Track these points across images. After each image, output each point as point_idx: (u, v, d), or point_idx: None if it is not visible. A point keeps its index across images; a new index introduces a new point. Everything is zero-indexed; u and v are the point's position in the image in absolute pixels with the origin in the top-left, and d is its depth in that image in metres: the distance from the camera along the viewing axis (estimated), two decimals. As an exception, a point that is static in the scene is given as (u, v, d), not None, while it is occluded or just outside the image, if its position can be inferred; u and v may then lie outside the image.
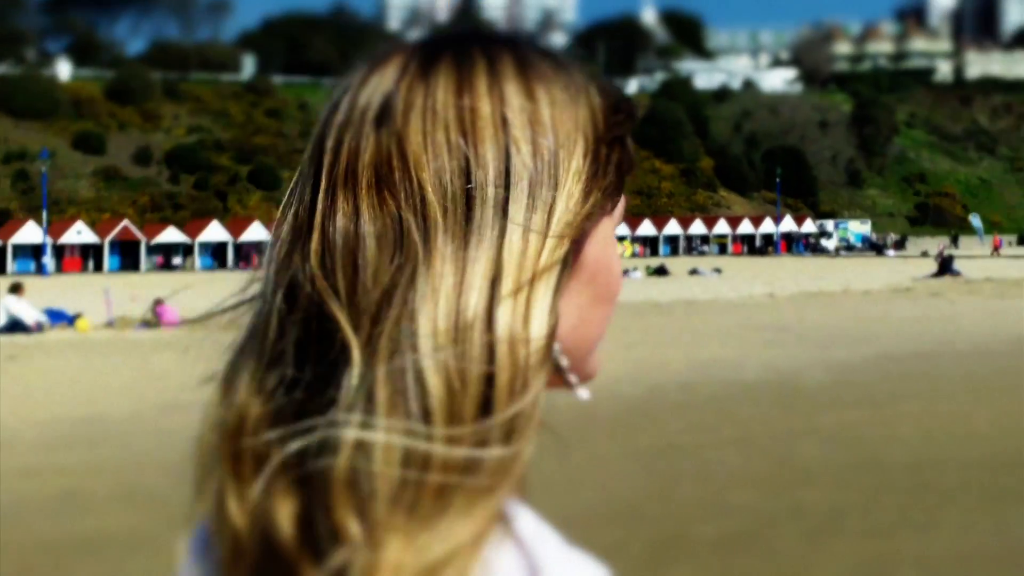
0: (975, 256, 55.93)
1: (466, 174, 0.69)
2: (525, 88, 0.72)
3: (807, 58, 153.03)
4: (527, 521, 0.68)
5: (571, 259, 0.72)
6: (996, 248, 61.46)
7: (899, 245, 76.13)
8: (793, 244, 79.86)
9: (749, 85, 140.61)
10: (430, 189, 0.69)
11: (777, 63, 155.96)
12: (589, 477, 7.20)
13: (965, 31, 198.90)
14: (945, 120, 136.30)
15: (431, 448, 0.64)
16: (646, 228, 78.02)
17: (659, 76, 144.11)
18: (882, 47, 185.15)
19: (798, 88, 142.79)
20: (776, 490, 7.26)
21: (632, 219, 74.38)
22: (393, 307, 0.68)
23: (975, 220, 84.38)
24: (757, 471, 7.77)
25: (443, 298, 0.67)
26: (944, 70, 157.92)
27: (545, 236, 0.70)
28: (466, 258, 0.68)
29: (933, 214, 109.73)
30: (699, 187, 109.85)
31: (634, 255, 69.34)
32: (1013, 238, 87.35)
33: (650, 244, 77.74)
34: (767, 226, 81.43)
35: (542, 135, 0.71)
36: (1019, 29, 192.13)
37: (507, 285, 0.68)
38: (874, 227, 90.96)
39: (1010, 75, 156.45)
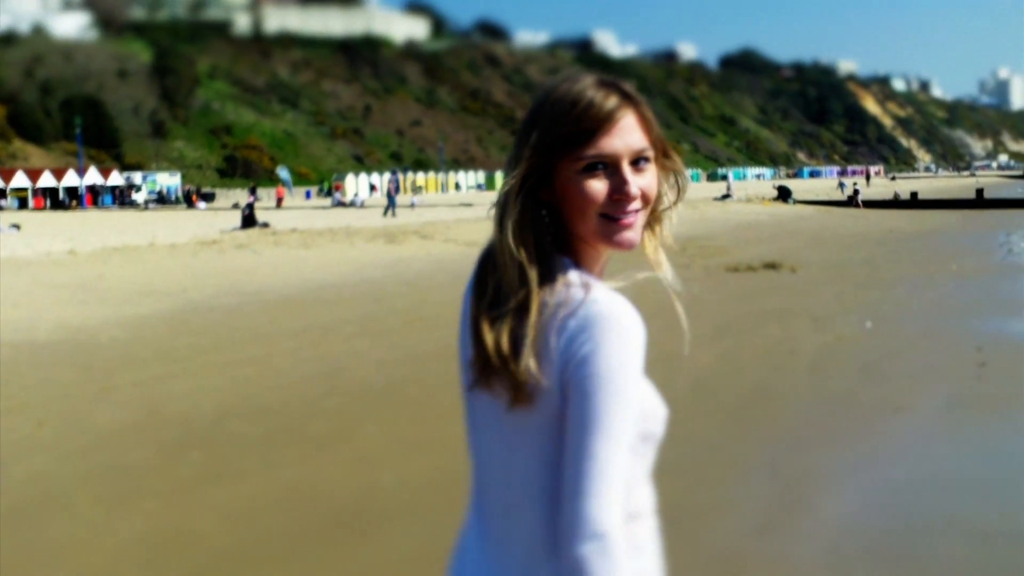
0: (292, 208, 58.34)
1: None
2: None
3: (101, 3, 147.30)
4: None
5: None
6: (279, 200, 63.25)
7: (207, 197, 76.82)
8: (99, 197, 77.16)
9: (39, 29, 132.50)
10: None
11: (68, 6, 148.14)
12: None
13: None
14: (247, 73, 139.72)
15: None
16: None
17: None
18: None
19: (94, 35, 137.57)
20: (69, 455, 6.79)
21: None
22: None
23: (283, 172, 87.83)
24: (49, 437, 7.22)
25: None
26: (243, 22, 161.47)
27: None
28: None
29: (242, 166, 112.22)
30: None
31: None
32: (315, 188, 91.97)
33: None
34: (71, 179, 77.70)
35: None
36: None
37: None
38: (184, 179, 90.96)
39: (307, 30, 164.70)
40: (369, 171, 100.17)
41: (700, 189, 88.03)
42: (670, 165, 1.69)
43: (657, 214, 1.68)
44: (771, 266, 19.65)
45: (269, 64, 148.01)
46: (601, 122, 1.58)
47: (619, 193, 1.59)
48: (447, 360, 10.05)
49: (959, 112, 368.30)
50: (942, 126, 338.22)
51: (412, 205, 53.76)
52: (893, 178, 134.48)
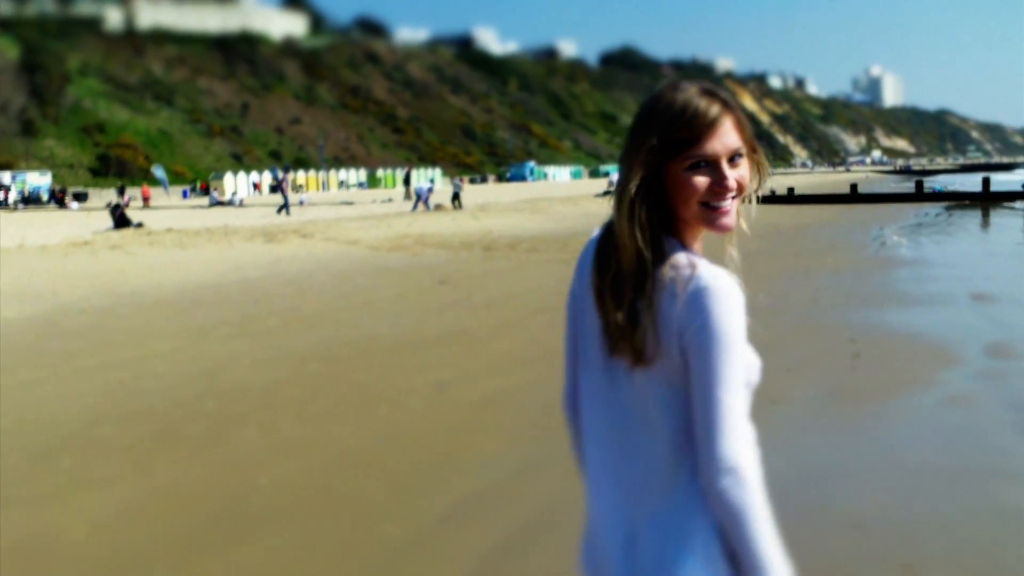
0: (168, 207, 57.02)
1: None
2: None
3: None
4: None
5: None
6: (146, 200, 61.86)
7: (80, 197, 74.61)
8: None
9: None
10: None
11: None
12: None
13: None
14: (120, 70, 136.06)
15: None
16: None
17: None
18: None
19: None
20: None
21: None
22: None
23: (158, 171, 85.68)
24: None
25: None
26: (115, 18, 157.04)
27: None
28: None
29: (116, 165, 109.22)
30: None
31: None
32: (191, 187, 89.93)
33: None
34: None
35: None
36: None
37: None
38: (55, 178, 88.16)
39: (181, 26, 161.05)
40: (248, 170, 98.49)
41: (582, 186, 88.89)
42: (756, 159, 2.02)
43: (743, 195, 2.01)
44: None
45: (143, 61, 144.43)
46: (706, 128, 1.91)
47: (719, 186, 1.94)
48: (328, 361, 9.96)
49: (834, 109, 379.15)
50: (818, 123, 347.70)
51: (301, 203, 53.03)
52: (771, 174, 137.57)
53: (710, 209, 1.95)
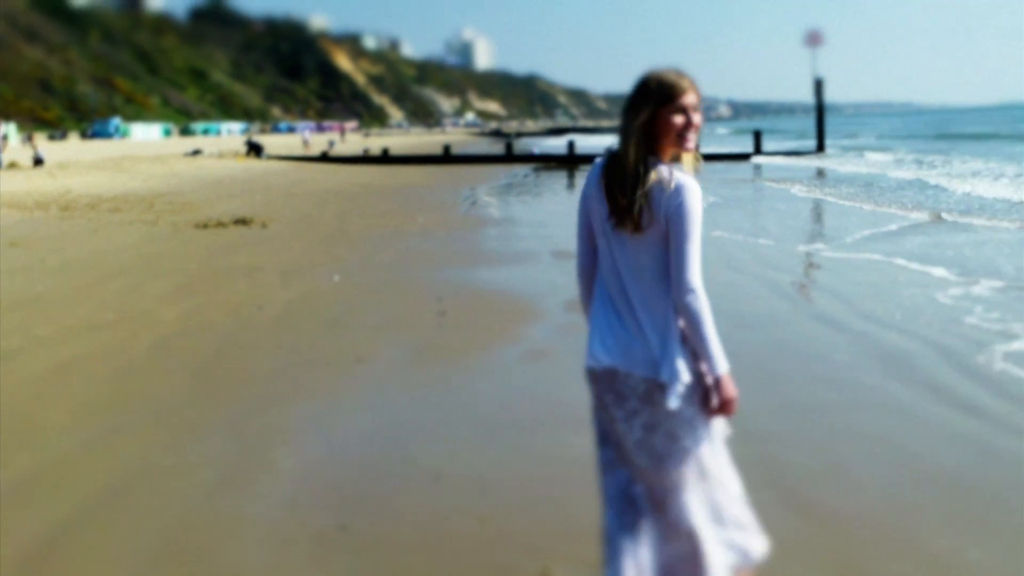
0: None
1: None
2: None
3: None
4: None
5: None
6: None
7: None
8: None
9: None
10: None
11: None
12: None
13: None
14: None
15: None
16: None
17: None
18: None
19: None
20: None
21: None
22: None
23: None
24: None
25: None
26: None
27: None
28: None
29: None
30: None
31: None
32: None
33: None
34: None
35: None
36: None
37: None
38: None
39: None
40: None
41: (172, 145, 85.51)
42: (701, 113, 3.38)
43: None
44: (242, 222, 19.39)
45: None
46: (682, 91, 3.31)
47: (690, 124, 3.34)
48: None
49: (428, 71, 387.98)
50: (413, 84, 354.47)
51: None
52: (367, 134, 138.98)
53: (681, 138, 3.33)
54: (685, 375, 3.28)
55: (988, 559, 4.33)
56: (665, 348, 3.29)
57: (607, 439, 3.50)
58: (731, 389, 3.33)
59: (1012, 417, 6.31)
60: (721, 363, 3.30)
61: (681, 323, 3.29)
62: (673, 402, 3.28)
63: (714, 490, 3.42)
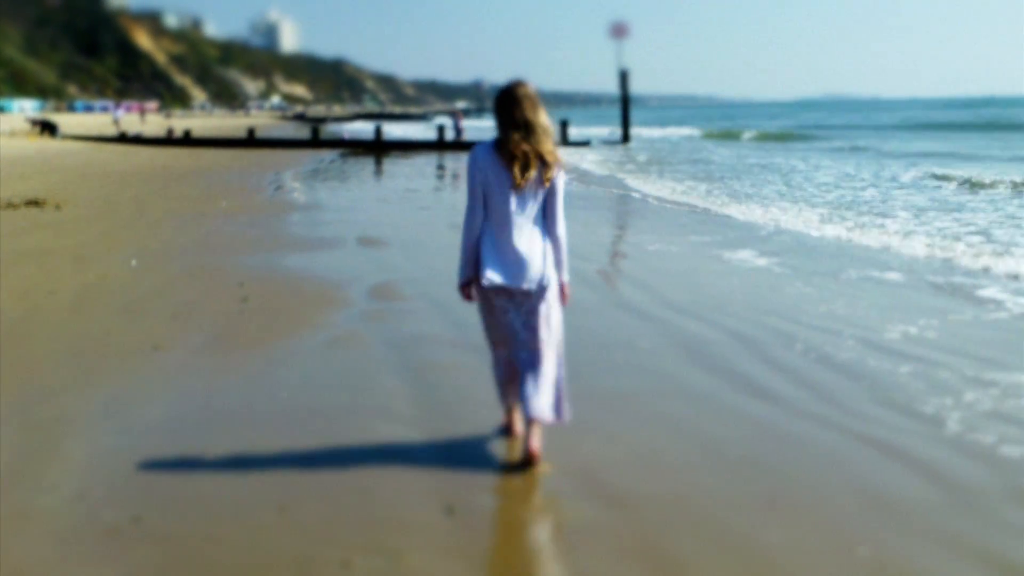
0: None
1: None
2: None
3: None
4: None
5: None
6: None
7: None
8: None
9: None
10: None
11: None
12: None
13: None
14: None
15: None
16: None
17: None
18: None
19: None
20: None
21: None
22: None
23: None
24: None
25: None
26: None
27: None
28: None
29: None
30: None
31: None
32: None
33: None
34: None
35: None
36: None
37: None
38: None
39: None
40: None
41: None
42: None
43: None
44: (34, 203, 18.53)
45: None
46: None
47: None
48: None
49: (233, 52, 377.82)
50: (216, 65, 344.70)
51: None
52: (168, 115, 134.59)
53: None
54: (554, 280, 5.32)
55: (783, 537, 4.52)
56: (544, 264, 5.24)
57: (495, 338, 5.47)
58: (568, 289, 5.48)
59: (805, 403, 6.62)
60: (567, 273, 5.41)
61: (549, 248, 5.29)
62: (548, 295, 5.32)
63: (555, 347, 5.41)
